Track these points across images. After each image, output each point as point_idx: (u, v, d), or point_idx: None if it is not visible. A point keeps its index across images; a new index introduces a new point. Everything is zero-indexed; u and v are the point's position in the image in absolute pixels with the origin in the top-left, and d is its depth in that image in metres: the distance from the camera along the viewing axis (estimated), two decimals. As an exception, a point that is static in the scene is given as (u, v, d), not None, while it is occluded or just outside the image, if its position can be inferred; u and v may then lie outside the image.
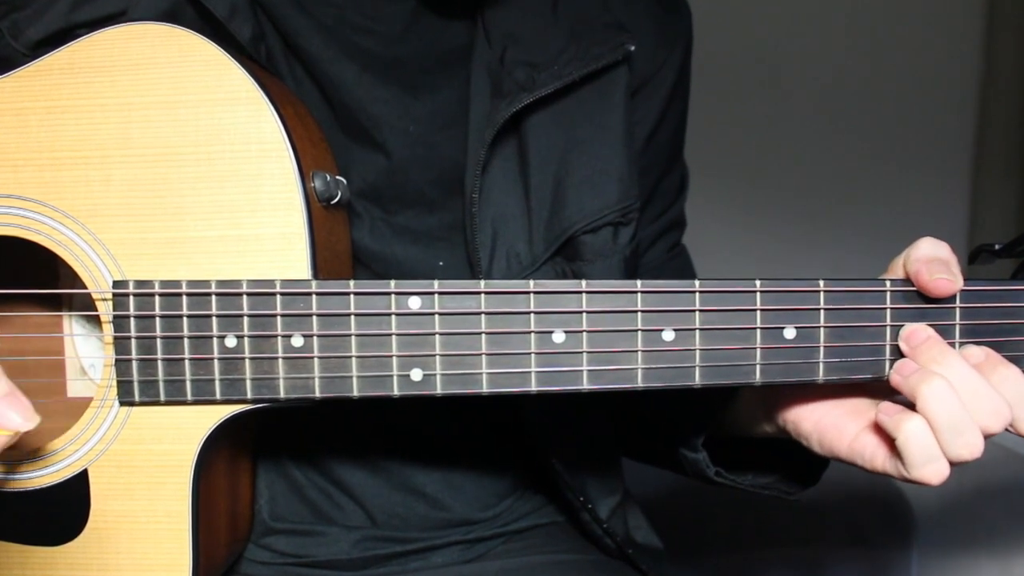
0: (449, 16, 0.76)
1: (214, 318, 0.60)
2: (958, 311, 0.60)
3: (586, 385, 0.60)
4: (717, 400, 0.72)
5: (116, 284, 0.61)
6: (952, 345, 0.60)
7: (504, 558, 0.83)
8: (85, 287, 0.63)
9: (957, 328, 0.60)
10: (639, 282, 0.59)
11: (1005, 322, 0.61)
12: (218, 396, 0.61)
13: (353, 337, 0.60)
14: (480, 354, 0.60)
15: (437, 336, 0.60)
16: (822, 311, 0.60)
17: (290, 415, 0.66)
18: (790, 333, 0.60)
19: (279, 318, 0.60)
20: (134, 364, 0.61)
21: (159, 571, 0.64)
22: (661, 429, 0.81)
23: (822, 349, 0.60)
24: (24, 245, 0.64)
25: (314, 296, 0.60)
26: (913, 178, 1.88)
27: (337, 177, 0.67)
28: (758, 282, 0.59)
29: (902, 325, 0.60)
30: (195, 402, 0.61)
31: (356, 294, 0.60)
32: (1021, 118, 1.78)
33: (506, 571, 0.81)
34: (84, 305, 0.73)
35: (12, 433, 0.53)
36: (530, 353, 0.60)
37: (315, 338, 0.60)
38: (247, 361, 0.60)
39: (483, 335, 0.59)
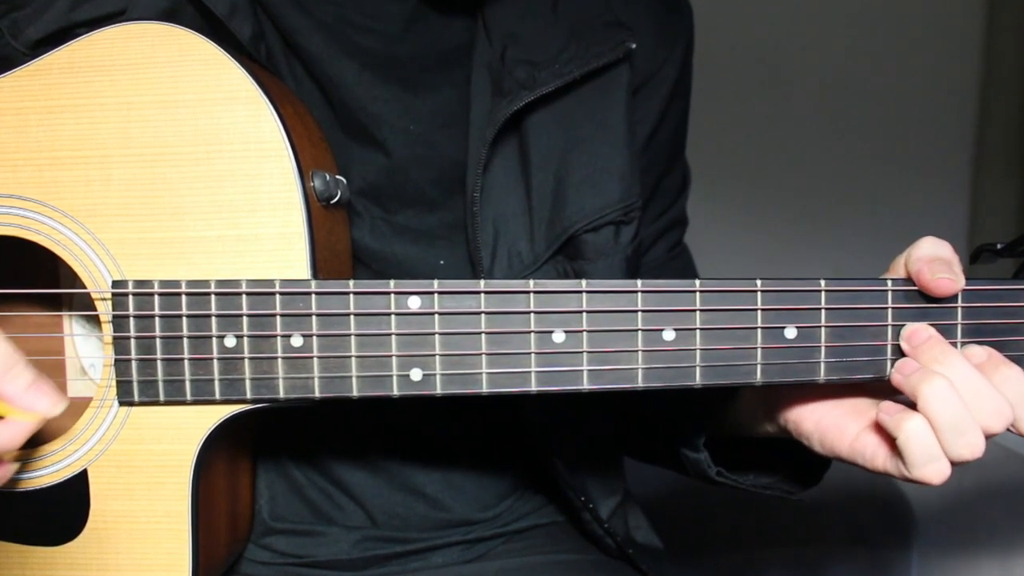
0: (449, 15, 0.76)
1: (213, 318, 0.60)
2: (960, 311, 0.60)
3: (586, 385, 0.60)
4: (717, 400, 0.72)
5: (115, 284, 0.61)
6: (954, 345, 0.60)
7: (504, 558, 0.83)
8: (85, 287, 0.63)
9: (959, 328, 0.60)
10: (639, 282, 0.59)
11: (1007, 322, 0.61)
12: (217, 396, 0.61)
13: (353, 337, 0.60)
14: (480, 354, 0.59)
15: (437, 336, 0.59)
16: (823, 311, 0.60)
17: (290, 415, 0.66)
18: (791, 333, 0.60)
19: (278, 318, 0.60)
20: (133, 364, 0.61)
21: (159, 571, 0.63)
22: (662, 429, 0.81)
23: (823, 349, 0.60)
24: (24, 245, 0.64)
25: (313, 296, 0.60)
26: (913, 178, 1.88)
27: (337, 176, 0.67)
28: (759, 282, 0.59)
29: (903, 325, 0.60)
30: (194, 402, 0.61)
31: (356, 294, 0.59)
32: (1021, 118, 1.78)
33: (506, 571, 0.81)
34: (84, 305, 0.73)
35: (40, 418, 0.54)
36: (530, 353, 0.59)
37: (315, 338, 0.60)
38: (246, 361, 0.60)
39: (483, 335, 0.59)
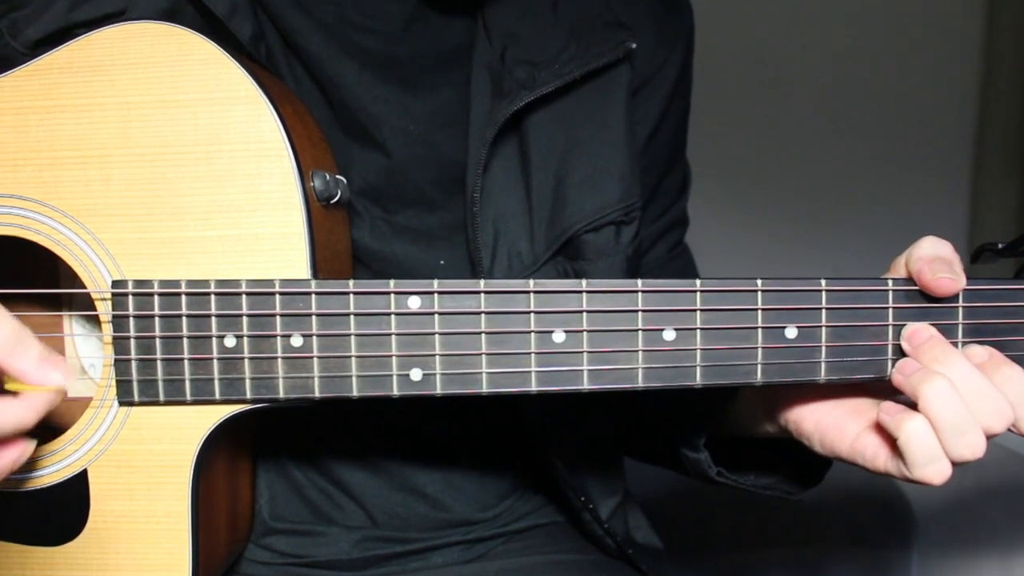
0: (449, 15, 0.76)
1: (213, 318, 0.60)
2: (960, 310, 0.60)
3: (586, 385, 0.60)
4: (718, 400, 0.72)
5: (115, 284, 0.61)
6: (955, 345, 0.60)
7: (504, 558, 0.83)
8: (84, 287, 0.63)
9: (960, 327, 0.60)
10: (639, 281, 0.59)
11: (1008, 321, 0.61)
12: (217, 396, 0.61)
13: (352, 337, 0.60)
14: (480, 354, 0.59)
15: (437, 336, 0.59)
16: (823, 310, 0.60)
17: (290, 415, 0.66)
18: (791, 333, 0.60)
19: (278, 318, 0.60)
20: (133, 364, 0.61)
21: (159, 571, 0.63)
22: (662, 429, 0.81)
23: (823, 349, 0.60)
24: (24, 245, 0.64)
25: (313, 296, 0.60)
26: (913, 178, 1.87)
27: (337, 176, 0.67)
28: (759, 281, 0.59)
29: (904, 324, 0.60)
30: (194, 402, 0.61)
31: (355, 294, 0.59)
32: (1021, 118, 1.78)
33: (506, 571, 0.81)
34: (84, 305, 0.73)
35: (55, 391, 0.54)
36: (530, 353, 0.59)
37: (314, 338, 0.60)
38: (246, 361, 0.60)
39: (483, 335, 0.59)
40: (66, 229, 0.63)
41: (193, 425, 0.62)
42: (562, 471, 0.79)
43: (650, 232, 0.85)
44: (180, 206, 0.62)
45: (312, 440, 0.78)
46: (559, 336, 0.59)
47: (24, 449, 0.55)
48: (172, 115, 0.62)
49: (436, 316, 0.59)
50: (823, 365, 0.60)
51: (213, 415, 0.62)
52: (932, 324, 0.60)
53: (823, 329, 0.60)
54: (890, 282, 0.60)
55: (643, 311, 0.59)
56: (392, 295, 0.59)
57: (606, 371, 0.60)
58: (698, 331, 0.59)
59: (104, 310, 0.62)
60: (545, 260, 0.74)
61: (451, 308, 0.59)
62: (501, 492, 0.85)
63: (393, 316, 0.59)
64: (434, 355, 0.60)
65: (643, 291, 0.59)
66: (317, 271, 0.62)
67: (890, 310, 0.60)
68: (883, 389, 0.62)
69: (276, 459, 0.79)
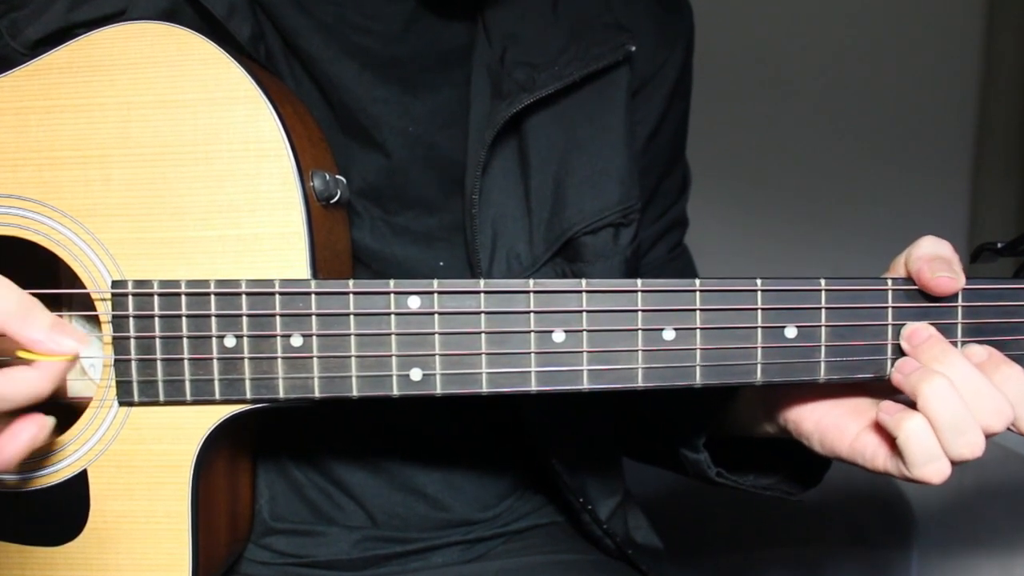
0: (449, 16, 0.76)
1: (213, 318, 0.60)
2: (960, 310, 0.60)
3: (586, 385, 0.60)
4: (717, 400, 0.72)
5: (115, 284, 0.61)
6: (954, 344, 0.60)
7: (504, 558, 0.83)
8: (84, 287, 0.63)
9: (959, 327, 0.60)
10: (639, 281, 0.59)
11: (1007, 321, 0.61)
12: (217, 396, 0.61)
13: (352, 337, 0.60)
14: (480, 354, 0.59)
15: (437, 336, 0.59)
16: (823, 310, 0.60)
17: (290, 415, 0.66)
18: (791, 332, 0.60)
19: (278, 318, 0.60)
20: (133, 364, 0.61)
21: (159, 571, 0.63)
22: (661, 429, 0.81)
23: (823, 348, 0.60)
24: (24, 245, 0.64)
25: (313, 296, 0.60)
26: (913, 178, 1.87)
27: (337, 176, 0.67)
28: (759, 281, 0.59)
29: (904, 324, 0.60)
30: (194, 402, 0.61)
31: (355, 294, 0.59)
32: (1021, 118, 1.77)
33: (506, 571, 0.81)
34: (83, 305, 0.73)
35: (70, 358, 0.54)
36: (530, 353, 0.59)
37: (314, 338, 0.60)
38: (246, 361, 0.60)
39: (483, 335, 0.59)
40: (66, 229, 0.63)
41: (193, 425, 0.62)
42: (561, 472, 0.79)
43: (650, 233, 0.85)
44: (180, 206, 0.62)
45: (312, 440, 0.78)
46: (559, 336, 0.59)
47: (42, 425, 0.55)
48: (172, 115, 0.62)
49: (436, 316, 0.59)
50: (823, 365, 0.60)
51: (213, 415, 0.62)
52: (931, 323, 0.60)
53: (823, 329, 0.60)
54: (890, 282, 0.60)
55: (643, 311, 0.59)
56: (392, 295, 0.59)
57: (606, 371, 0.60)
58: (698, 331, 0.59)
59: (104, 310, 0.62)
60: (544, 262, 0.74)
61: (451, 308, 0.59)
62: (501, 492, 0.85)
63: (393, 316, 0.59)
64: (434, 355, 0.60)
65: (643, 291, 0.59)
66: (317, 271, 0.62)
67: (889, 310, 0.60)
68: (883, 389, 0.62)
69: (276, 459, 0.79)
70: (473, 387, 0.60)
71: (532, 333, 0.59)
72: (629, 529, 0.86)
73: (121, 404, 0.62)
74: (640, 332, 0.59)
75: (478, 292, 0.59)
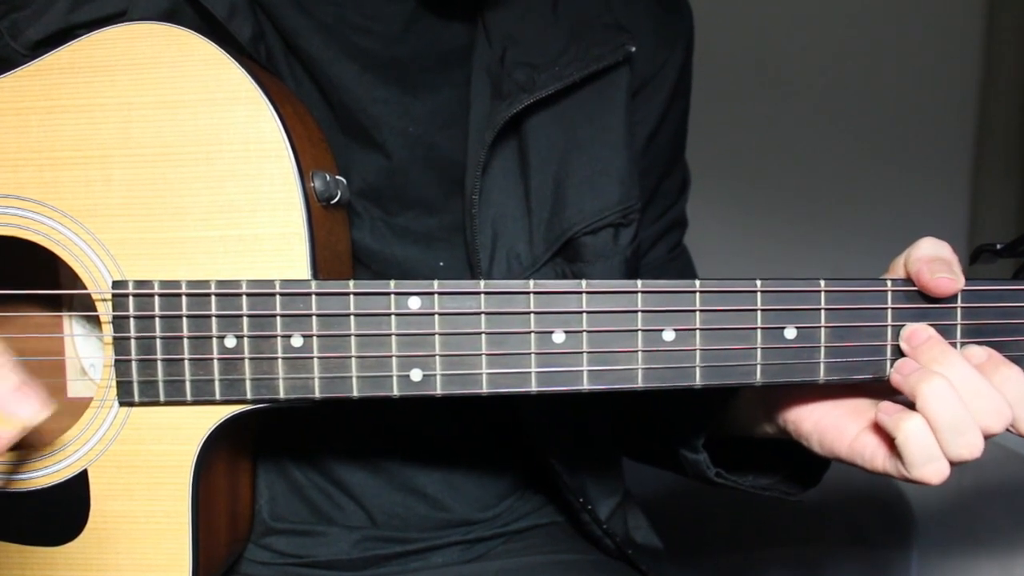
0: (449, 17, 0.76)
1: (214, 318, 0.60)
2: (959, 311, 0.60)
3: (586, 385, 0.60)
4: (717, 400, 0.72)
5: (115, 284, 0.61)
6: (953, 345, 0.60)
7: (504, 558, 0.83)
8: (85, 287, 0.63)
9: (958, 328, 0.60)
10: (639, 282, 0.59)
11: (1007, 322, 0.61)
12: (218, 396, 0.61)
13: (353, 337, 0.60)
14: (480, 354, 0.59)
15: (437, 336, 0.60)
16: (823, 311, 0.60)
17: (290, 415, 0.66)
18: (791, 333, 0.60)
19: (279, 318, 0.60)
20: (133, 364, 0.61)
21: (159, 571, 0.63)
22: (661, 429, 0.81)
23: (823, 349, 0.60)
24: (24, 245, 0.64)
25: (314, 296, 0.60)
26: (913, 178, 1.87)
27: (337, 177, 0.67)
28: (759, 282, 0.59)
29: (903, 325, 0.60)
30: (195, 402, 0.61)
31: (356, 294, 0.60)
32: (1021, 118, 1.78)
33: (506, 571, 0.81)
34: (84, 305, 0.73)
35: (20, 428, 0.52)
36: (530, 353, 0.59)
37: (315, 338, 0.60)
38: (247, 361, 0.60)
39: (483, 335, 0.59)
40: (66, 229, 0.63)
41: (193, 425, 0.62)
42: (561, 472, 0.79)
43: (649, 233, 0.85)
44: (180, 206, 0.62)
45: (312, 440, 0.79)
46: (559, 336, 0.59)
47: None
48: (173, 116, 0.62)
49: (436, 317, 0.59)
50: (822, 365, 0.60)
51: (213, 415, 0.62)
52: (931, 324, 0.60)
53: (822, 330, 0.60)
54: (889, 283, 0.60)
55: (643, 311, 0.59)
56: (392, 296, 0.59)
57: (606, 371, 0.60)
58: (698, 331, 0.59)
59: (104, 311, 0.62)
60: (544, 262, 0.74)
61: (451, 308, 0.59)
62: (501, 492, 0.85)
63: (393, 316, 0.60)
64: (434, 355, 0.60)
65: (643, 291, 0.59)
66: (317, 271, 0.62)
67: (889, 310, 0.60)
68: (882, 390, 0.62)
69: (276, 459, 0.79)
70: (473, 388, 0.60)
71: (532, 334, 0.59)
72: (629, 529, 0.87)
73: (121, 404, 0.62)
74: (640, 333, 0.59)
75: (478, 293, 0.59)
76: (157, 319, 0.61)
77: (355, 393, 0.60)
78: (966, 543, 1.18)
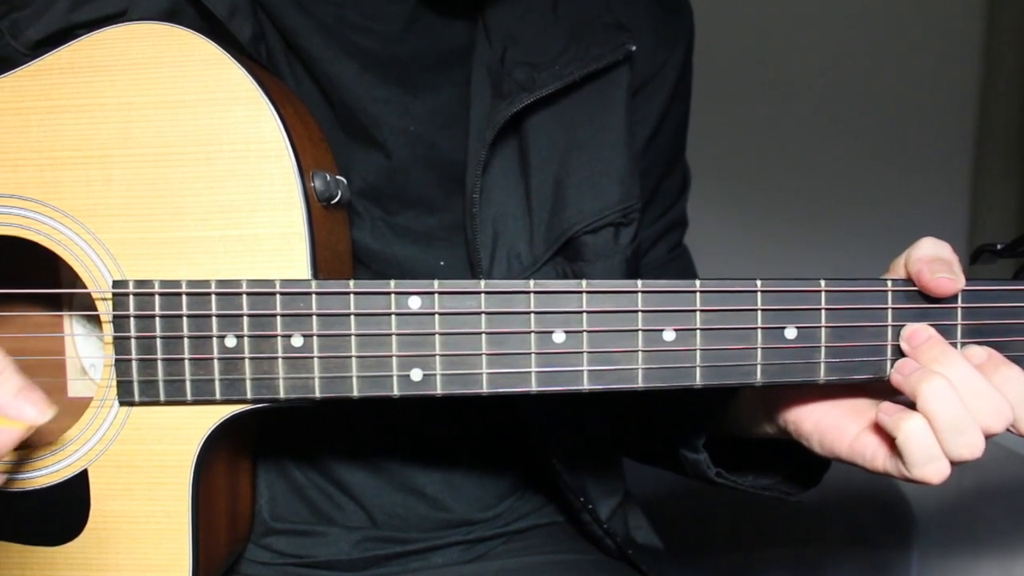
0: (449, 16, 0.76)
1: (214, 318, 0.60)
2: (960, 311, 0.60)
3: (586, 385, 0.60)
4: (717, 400, 0.72)
5: (116, 284, 0.61)
6: (954, 345, 0.60)
7: (504, 558, 0.83)
8: (85, 287, 0.63)
9: (959, 328, 0.60)
10: (639, 282, 0.59)
11: (1007, 322, 0.61)
12: (218, 396, 0.61)
13: (353, 337, 0.60)
14: (480, 354, 0.59)
15: (437, 336, 0.60)
16: (823, 311, 0.60)
17: (290, 415, 0.66)
18: (791, 333, 0.60)
19: (279, 318, 0.60)
20: (134, 364, 0.61)
21: (159, 571, 0.63)
22: (661, 429, 0.81)
23: (823, 349, 0.60)
24: (24, 245, 0.64)
25: (314, 296, 0.60)
26: (913, 178, 1.88)
27: (337, 177, 0.67)
28: (759, 282, 0.59)
29: (903, 325, 0.60)
30: (195, 402, 0.61)
31: (356, 294, 0.60)
32: (1021, 118, 1.78)
33: (506, 571, 0.81)
34: (84, 305, 0.73)
35: (26, 427, 0.53)
36: (530, 353, 0.59)
37: (315, 338, 0.60)
38: (247, 361, 0.60)
39: (483, 335, 0.59)
40: (67, 229, 0.63)
41: (193, 425, 0.62)
42: (562, 471, 0.79)
43: (650, 233, 0.85)
44: (181, 206, 0.62)
45: (312, 440, 0.79)
46: (559, 336, 0.59)
47: None
48: (173, 115, 0.62)
49: (436, 316, 0.59)
50: (823, 365, 0.60)
51: (213, 415, 0.62)
52: (931, 324, 0.60)
53: (823, 330, 0.60)
54: (889, 283, 0.60)
55: (643, 311, 0.59)
56: (392, 295, 0.59)
57: (606, 371, 0.60)
58: (698, 331, 0.59)
59: (105, 310, 0.62)
60: (544, 261, 0.74)
61: (451, 308, 0.59)
62: (501, 492, 0.85)
63: (393, 316, 0.60)
64: (434, 355, 0.60)
65: (643, 291, 0.59)
66: (317, 271, 0.62)
67: (889, 311, 0.60)
68: (882, 390, 0.62)
69: (276, 459, 0.79)
70: (473, 387, 0.60)
71: (532, 333, 0.59)
72: (629, 529, 0.87)
73: (122, 404, 0.62)
74: (640, 333, 0.59)
75: (478, 292, 0.59)
76: (157, 319, 0.61)
77: (355, 393, 0.60)
78: (966, 543, 1.18)
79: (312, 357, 0.60)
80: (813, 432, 0.64)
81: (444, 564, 0.82)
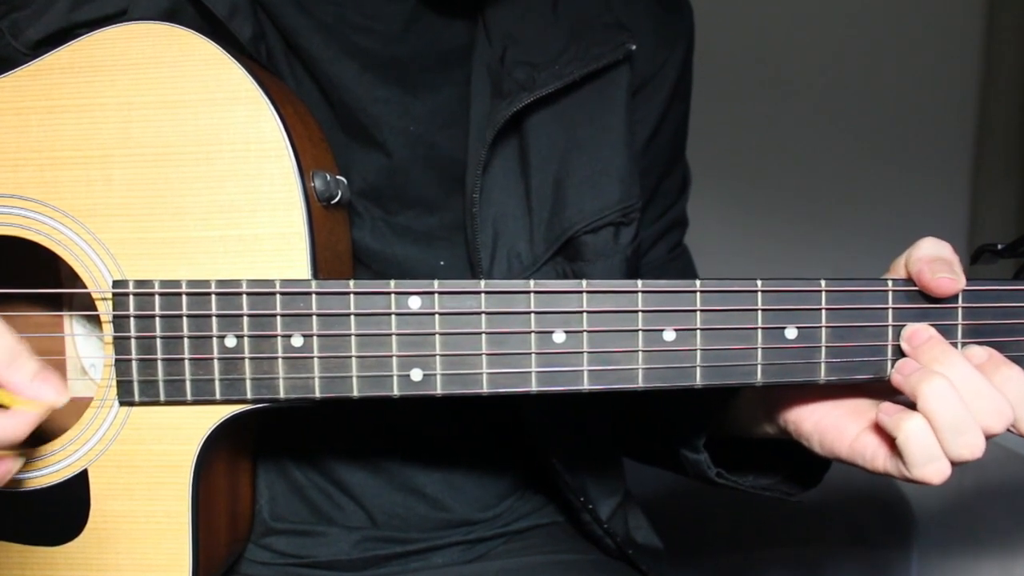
0: (449, 15, 0.76)
1: (214, 318, 0.60)
2: (960, 311, 0.60)
3: (587, 385, 0.60)
4: (717, 400, 0.72)
5: (116, 284, 0.61)
6: (954, 345, 0.60)
7: (504, 558, 0.83)
8: (85, 287, 0.63)
9: (959, 328, 0.60)
10: (640, 282, 0.59)
11: (1007, 322, 0.61)
12: (218, 396, 0.61)
13: (353, 337, 0.60)
14: (480, 354, 0.59)
15: (437, 336, 0.59)
16: (823, 311, 0.60)
17: (290, 415, 0.66)
18: (791, 333, 0.60)
19: (279, 318, 0.60)
20: (134, 364, 0.61)
21: (159, 571, 0.63)
22: (661, 429, 0.81)
23: (823, 349, 0.60)
24: (24, 245, 0.64)
25: (314, 296, 0.60)
26: (913, 178, 1.88)
27: (337, 177, 0.67)
28: (759, 282, 0.59)
29: (904, 325, 0.60)
30: (195, 402, 0.61)
31: (356, 294, 0.59)
32: (1021, 118, 1.78)
33: (506, 571, 0.81)
34: (84, 305, 0.73)
35: (44, 409, 0.54)
36: (530, 353, 0.59)
37: (315, 338, 0.60)
38: (247, 361, 0.60)
39: (483, 335, 0.59)
40: (67, 229, 0.63)
41: (193, 425, 0.62)
42: (562, 471, 0.79)
43: (650, 233, 0.85)
44: (181, 206, 0.62)
45: (312, 440, 0.78)
46: (559, 336, 0.59)
47: (12, 465, 0.56)
48: (173, 115, 0.62)
49: (436, 316, 0.59)
50: (823, 366, 0.60)
51: (213, 415, 0.62)
52: (932, 325, 0.60)
53: (823, 330, 0.60)
54: (890, 283, 0.60)
55: (643, 311, 0.59)
56: (392, 295, 0.59)
57: (606, 371, 0.60)
58: (698, 331, 0.59)
59: (105, 310, 0.62)
60: (544, 261, 0.74)
61: (451, 308, 0.59)
62: (501, 492, 0.85)
63: (393, 316, 0.59)
64: (434, 355, 0.60)
65: (643, 291, 0.59)
66: (318, 271, 0.62)
67: (890, 311, 0.60)
68: (883, 390, 0.62)
69: (276, 459, 0.79)
70: (474, 387, 0.60)
71: (532, 333, 0.59)
72: (629, 529, 0.87)
73: (122, 404, 0.62)
74: (640, 333, 0.59)
75: (479, 292, 0.59)
76: (157, 318, 0.61)
77: (355, 393, 0.60)
78: (966, 543, 1.18)
79: (312, 357, 0.60)
80: (813, 432, 0.64)
81: (444, 564, 0.82)
